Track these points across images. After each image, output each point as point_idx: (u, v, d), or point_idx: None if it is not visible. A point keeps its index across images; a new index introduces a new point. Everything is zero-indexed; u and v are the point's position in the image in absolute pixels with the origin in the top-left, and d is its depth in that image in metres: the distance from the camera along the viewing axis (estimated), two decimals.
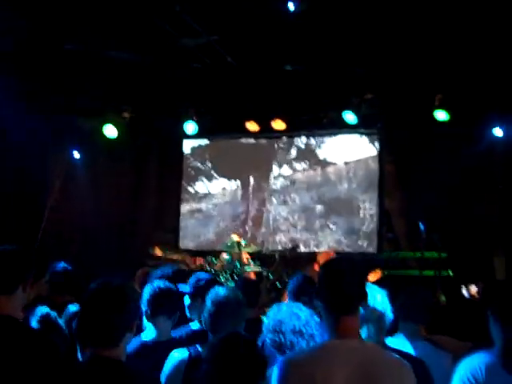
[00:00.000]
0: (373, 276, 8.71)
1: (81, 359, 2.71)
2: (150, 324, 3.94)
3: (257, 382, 2.66)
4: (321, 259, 7.91)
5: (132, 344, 3.72)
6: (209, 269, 9.30)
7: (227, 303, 3.62)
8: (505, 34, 7.78)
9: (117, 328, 2.70)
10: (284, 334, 3.43)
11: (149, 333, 3.95)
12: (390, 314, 3.43)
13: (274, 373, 2.73)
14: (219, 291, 3.71)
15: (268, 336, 3.50)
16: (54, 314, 4.00)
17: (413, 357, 3.30)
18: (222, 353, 2.67)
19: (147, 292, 4.00)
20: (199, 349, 3.52)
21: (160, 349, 3.68)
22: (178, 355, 3.49)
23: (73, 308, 4.50)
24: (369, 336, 3.20)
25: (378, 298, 3.30)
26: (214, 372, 2.63)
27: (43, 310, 3.94)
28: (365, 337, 3.15)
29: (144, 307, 3.96)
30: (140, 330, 4.10)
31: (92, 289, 2.77)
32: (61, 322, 4.25)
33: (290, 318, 3.48)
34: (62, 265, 5.34)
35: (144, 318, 4.01)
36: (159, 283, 4.07)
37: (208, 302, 3.66)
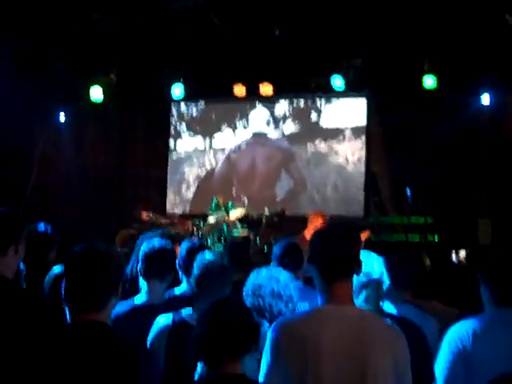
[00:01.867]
0: (362, 236, 8.74)
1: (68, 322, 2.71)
2: (144, 284, 3.92)
3: (250, 344, 2.68)
4: (311, 220, 7.90)
5: (123, 306, 3.75)
6: (196, 232, 9.32)
7: (212, 268, 3.62)
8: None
9: (101, 292, 2.69)
10: (263, 297, 3.47)
11: (141, 295, 3.94)
12: (386, 280, 3.46)
13: (268, 336, 2.76)
14: (205, 256, 3.72)
15: (247, 300, 3.53)
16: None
17: (407, 321, 3.33)
18: (214, 317, 2.68)
19: (143, 250, 3.99)
20: (182, 314, 3.52)
21: (151, 312, 3.68)
22: (162, 320, 3.51)
23: (57, 269, 4.50)
24: (366, 301, 3.22)
25: (374, 265, 3.32)
26: (207, 336, 2.65)
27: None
28: (361, 302, 3.19)
29: (138, 266, 3.95)
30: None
31: (75, 253, 2.74)
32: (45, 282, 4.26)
33: (269, 281, 3.51)
34: (42, 225, 5.33)
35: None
36: (155, 242, 4.05)
37: (194, 268, 3.67)
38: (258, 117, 12.16)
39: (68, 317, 2.70)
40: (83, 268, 2.70)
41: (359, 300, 3.17)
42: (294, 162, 11.85)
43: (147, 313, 3.67)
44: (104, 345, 2.64)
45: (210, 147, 12.48)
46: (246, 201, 10.24)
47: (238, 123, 12.30)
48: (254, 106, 12.18)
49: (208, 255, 3.72)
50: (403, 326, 2.81)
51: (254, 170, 12.08)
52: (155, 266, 3.90)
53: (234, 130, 12.31)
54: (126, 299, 3.83)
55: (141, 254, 3.99)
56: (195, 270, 3.64)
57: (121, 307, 3.65)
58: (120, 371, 2.60)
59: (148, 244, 4.04)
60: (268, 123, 12.05)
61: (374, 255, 3.39)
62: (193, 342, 2.70)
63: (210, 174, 12.45)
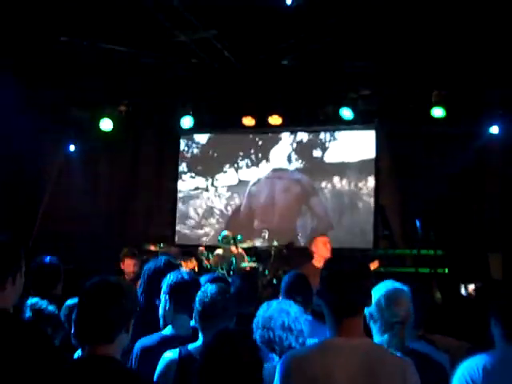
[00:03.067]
0: (371, 266, 8.68)
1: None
2: (172, 316, 3.87)
3: (254, 376, 2.63)
4: (315, 244, 7.89)
5: (152, 338, 3.75)
6: (204, 264, 9.28)
7: (214, 303, 3.59)
8: (501, 32, 7.77)
9: (112, 324, 2.68)
10: (273, 329, 3.44)
11: (168, 327, 3.89)
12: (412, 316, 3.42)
13: (277, 369, 2.73)
14: (207, 290, 3.68)
15: (257, 332, 3.50)
16: (43, 302, 3.97)
17: (431, 358, 3.29)
18: (216, 347, 2.64)
19: (169, 281, 3.93)
20: (189, 348, 3.48)
21: (178, 343, 3.63)
22: (169, 355, 3.47)
23: (70, 302, 4.47)
24: (389, 342, 3.18)
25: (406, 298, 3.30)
26: (209, 368, 2.61)
27: (33, 300, 3.91)
28: (384, 342, 3.16)
29: (165, 297, 3.91)
30: None
31: (89, 285, 2.76)
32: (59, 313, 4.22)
33: (280, 314, 3.49)
34: (48, 257, 5.30)
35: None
36: (184, 274, 3.99)
37: (196, 301, 3.63)
38: (275, 151, 12.15)
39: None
40: (96, 298, 2.71)
41: (384, 338, 3.14)
42: (316, 197, 11.79)
43: (174, 344, 3.61)
44: (112, 380, 2.62)
45: (212, 184, 12.49)
46: (267, 234, 10.19)
47: (252, 156, 12.29)
48: (264, 139, 12.20)
49: (210, 288, 3.69)
50: (425, 362, 2.77)
51: (273, 202, 12.02)
52: (184, 300, 3.84)
53: (242, 165, 12.33)
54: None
55: (167, 284, 3.93)
56: (197, 305, 3.61)
57: (149, 339, 3.71)
58: None
59: (176, 274, 3.99)
60: (287, 158, 12.03)
61: (399, 286, 3.36)
62: (196, 374, 2.66)
63: (220, 206, 12.42)
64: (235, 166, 12.37)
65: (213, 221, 12.44)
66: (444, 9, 7.42)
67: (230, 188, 12.40)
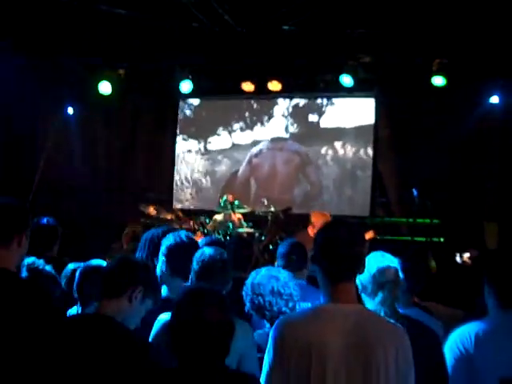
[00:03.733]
0: (366, 236, 8.70)
1: None
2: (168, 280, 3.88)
3: (220, 339, 2.55)
4: (315, 219, 7.87)
5: None
6: (202, 229, 9.30)
7: (213, 263, 3.61)
8: (504, 2, 7.71)
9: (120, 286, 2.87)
10: (263, 295, 3.47)
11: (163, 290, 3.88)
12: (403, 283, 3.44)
13: (270, 335, 2.75)
14: (205, 251, 3.70)
15: (247, 299, 3.53)
16: (40, 262, 4.00)
17: (422, 324, 3.31)
18: (182, 304, 2.59)
19: (167, 244, 3.92)
20: None
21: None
22: (164, 317, 3.49)
23: (72, 265, 4.49)
24: (382, 304, 3.19)
25: (390, 265, 3.31)
26: (175, 325, 2.58)
27: (29, 259, 3.93)
28: (377, 304, 3.19)
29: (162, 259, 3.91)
30: None
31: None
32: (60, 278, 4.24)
33: (269, 280, 3.52)
34: (46, 219, 5.30)
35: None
36: (182, 235, 3.99)
37: (194, 262, 3.64)
38: (271, 116, 12.11)
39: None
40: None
41: (375, 302, 3.15)
42: (310, 165, 11.79)
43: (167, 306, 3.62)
44: (108, 337, 2.69)
45: (218, 143, 12.44)
46: (266, 202, 10.20)
47: (247, 120, 12.26)
48: (262, 105, 12.15)
49: (208, 250, 3.70)
50: (417, 329, 2.79)
51: (274, 174, 12.03)
52: (180, 262, 3.82)
53: (239, 130, 12.30)
54: None
55: (165, 246, 3.93)
56: (195, 265, 3.62)
57: None
58: (122, 364, 2.62)
59: (175, 236, 3.98)
60: (285, 124, 12.00)
61: (389, 256, 3.36)
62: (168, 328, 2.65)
63: (218, 170, 12.42)
64: (229, 129, 12.36)
65: (208, 185, 12.45)
66: None
67: (223, 151, 12.40)
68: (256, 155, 12.16)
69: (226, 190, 11.86)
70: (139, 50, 10.17)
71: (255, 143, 12.17)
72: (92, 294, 3.56)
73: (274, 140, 12.06)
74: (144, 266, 3.01)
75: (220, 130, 12.40)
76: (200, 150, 12.55)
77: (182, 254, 3.85)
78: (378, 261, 3.28)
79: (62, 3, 8.31)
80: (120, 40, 9.71)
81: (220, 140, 12.41)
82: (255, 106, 12.26)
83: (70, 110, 11.91)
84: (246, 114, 12.29)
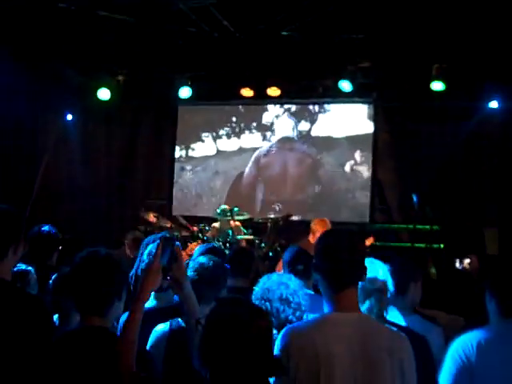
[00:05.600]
0: (366, 242, 8.68)
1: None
2: None
3: (262, 343, 2.45)
4: (315, 227, 7.86)
5: None
6: (201, 236, 9.28)
7: (204, 272, 3.59)
8: (502, 6, 7.70)
9: (102, 297, 2.78)
10: (271, 301, 3.42)
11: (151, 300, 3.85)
12: (391, 288, 3.46)
13: (276, 344, 2.73)
14: (197, 260, 3.69)
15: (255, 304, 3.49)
16: (30, 270, 3.98)
17: (412, 331, 3.30)
18: (218, 312, 2.56)
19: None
20: (180, 321, 3.47)
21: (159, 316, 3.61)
22: (160, 328, 3.48)
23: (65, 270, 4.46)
24: (369, 311, 3.20)
25: (379, 272, 3.29)
26: (211, 334, 2.51)
27: (20, 266, 3.91)
28: (365, 310, 3.18)
29: None
30: None
31: (78, 259, 2.84)
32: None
33: (278, 286, 3.48)
34: (46, 227, 5.28)
35: None
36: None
37: (189, 271, 3.63)
38: (282, 123, 12.11)
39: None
40: (85, 274, 2.79)
41: (362, 309, 3.14)
42: (322, 168, 11.75)
43: (155, 317, 3.60)
44: (103, 349, 2.66)
45: (218, 149, 12.44)
46: (280, 207, 10.16)
47: (244, 126, 12.27)
48: (261, 110, 12.15)
49: (202, 259, 3.69)
50: (408, 337, 2.77)
51: (285, 175, 11.97)
52: None
53: (242, 133, 12.29)
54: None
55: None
56: (188, 273, 3.60)
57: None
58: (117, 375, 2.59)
59: None
60: (293, 129, 11.99)
61: (378, 263, 3.36)
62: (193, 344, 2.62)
63: (216, 176, 12.40)
64: (228, 134, 12.39)
65: (208, 191, 12.44)
66: None
67: (223, 157, 12.40)
68: (264, 155, 12.15)
69: (230, 195, 11.86)
70: (138, 56, 10.17)
71: (254, 149, 12.18)
72: None
73: (281, 140, 12.04)
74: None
75: (219, 136, 12.39)
76: (200, 156, 12.52)
77: None
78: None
79: (61, 10, 8.28)
80: (119, 46, 9.72)
81: (220, 145, 12.41)
82: (253, 111, 12.27)
83: (69, 117, 11.92)
84: (245, 119, 12.30)
